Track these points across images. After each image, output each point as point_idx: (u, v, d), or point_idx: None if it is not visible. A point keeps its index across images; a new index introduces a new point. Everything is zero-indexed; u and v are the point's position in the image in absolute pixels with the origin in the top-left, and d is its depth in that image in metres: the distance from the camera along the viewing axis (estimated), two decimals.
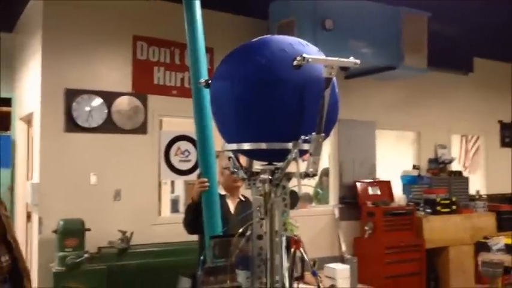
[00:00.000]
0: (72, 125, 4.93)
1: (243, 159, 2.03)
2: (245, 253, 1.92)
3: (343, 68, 1.84)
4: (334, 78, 1.82)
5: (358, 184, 6.59)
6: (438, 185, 7.05)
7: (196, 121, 2.86)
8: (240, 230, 1.96)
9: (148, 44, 5.38)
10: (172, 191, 7.62)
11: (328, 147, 6.71)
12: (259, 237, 1.88)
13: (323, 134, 1.75)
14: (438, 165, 7.44)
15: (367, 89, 6.85)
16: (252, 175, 1.97)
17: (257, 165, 1.99)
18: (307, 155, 1.78)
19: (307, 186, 7.47)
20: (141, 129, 5.27)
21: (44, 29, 4.94)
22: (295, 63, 1.70)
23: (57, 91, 4.92)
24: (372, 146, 6.93)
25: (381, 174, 7.02)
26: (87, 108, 4.98)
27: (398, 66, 5.67)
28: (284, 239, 1.88)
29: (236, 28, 5.70)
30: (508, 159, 8.38)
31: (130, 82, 5.29)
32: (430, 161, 7.50)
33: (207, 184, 2.86)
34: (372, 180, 6.73)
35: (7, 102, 6.50)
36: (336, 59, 1.75)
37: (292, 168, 1.82)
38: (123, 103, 5.17)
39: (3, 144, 6.37)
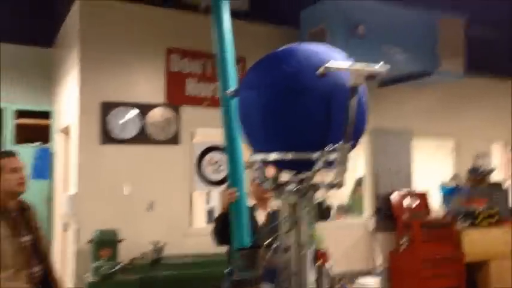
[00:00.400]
0: (107, 137, 5.02)
1: (272, 169, 2.00)
2: (271, 265, 1.88)
3: (370, 77, 1.79)
4: (362, 86, 1.78)
5: (393, 195, 6.44)
6: (478, 196, 6.82)
7: (225, 131, 2.85)
8: (266, 242, 1.93)
9: (181, 56, 5.45)
10: (208, 202, 7.64)
11: (362, 157, 6.60)
12: (286, 249, 1.84)
13: (350, 144, 1.70)
14: (478, 176, 7.19)
15: (402, 97, 6.72)
16: (279, 185, 1.94)
17: (285, 176, 1.96)
18: None
19: (342, 197, 7.38)
20: (174, 140, 5.32)
21: (81, 43, 5.06)
22: (319, 71, 1.68)
23: (93, 104, 5.02)
24: (408, 155, 6.77)
25: (420, 185, 6.85)
26: (122, 120, 5.07)
27: (434, 72, 5.54)
28: (310, 251, 1.83)
29: (268, 37, 5.70)
30: None
31: (164, 94, 5.36)
32: (470, 171, 7.26)
33: (235, 194, 2.84)
34: (408, 191, 6.57)
35: (47, 115, 6.71)
36: (362, 66, 1.71)
37: (321, 178, 1.78)
38: (156, 115, 5.23)
39: (42, 156, 6.56)
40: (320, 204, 6.34)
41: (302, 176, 1.83)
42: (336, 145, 1.69)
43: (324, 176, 1.77)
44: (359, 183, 6.90)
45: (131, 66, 5.26)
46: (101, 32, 5.12)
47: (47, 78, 6.69)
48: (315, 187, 1.84)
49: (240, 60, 5.32)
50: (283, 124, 1.74)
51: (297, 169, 1.86)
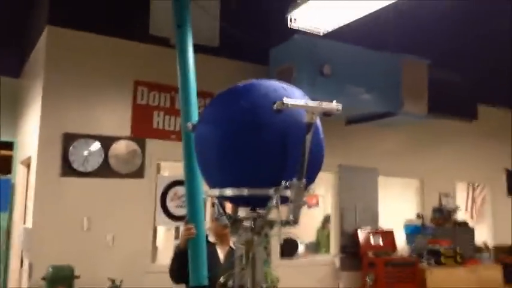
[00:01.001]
0: (68, 169, 4.90)
1: (229, 206, 1.97)
2: None
3: (326, 114, 1.81)
4: (319, 124, 1.80)
5: (359, 233, 6.44)
6: (442, 235, 6.90)
7: (185, 165, 2.82)
8: (221, 280, 1.88)
9: (149, 89, 5.43)
10: (177, 237, 7.47)
11: (329, 194, 6.62)
12: (241, 287, 1.80)
13: (304, 180, 1.70)
14: (443, 215, 7.28)
15: (369, 136, 6.82)
16: (235, 222, 1.91)
17: (241, 212, 1.93)
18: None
19: (311, 235, 7.35)
20: (138, 173, 5.24)
21: (46, 73, 5.00)
22: (275, 107, 1.68)
23: (55, 135, 4.92)
24: (374, 193, 6.82)
25: (386, 223, 6.88)
26: (84, 153, 4.97)
27: (397, 112, 5.66)
28: None
29: (238, 73, 5.74)
30: None
31: (130, 126, 5.30)
32: (435, 210, 7.36)
33: (193, 231, 2.78)
34: (373, 229, 6.59)
35: (9, 145, 6.55)
36: (317, 104, 1.72)
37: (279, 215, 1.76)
38: (120, 147, 5.16)
39: (2, 187, 6.35)
40: (287, 241, 6.31)
41: (258, 212, 1.81)
42: (291, 181, 1.68)
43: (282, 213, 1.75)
44: (327, 220, 6.89)
45: (97, 98, 5.20)
46: (67, 63, 5.07)
47: (12, 109, 6.58)
48: (271, 224, 1.81)
49: (208, 95, 5.36)
50: (239, 159, 1.73)
51: (253, 206, 1.84)
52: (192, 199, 2.81)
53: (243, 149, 1.71)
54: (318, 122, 1.83)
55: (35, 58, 5.67)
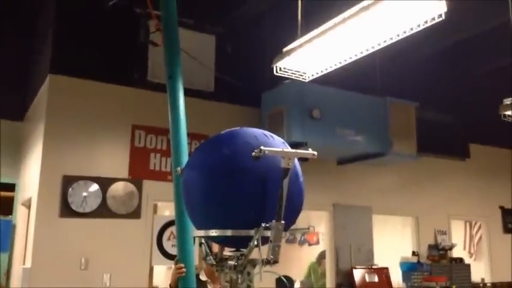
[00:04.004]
0: (67, 210, 5.03)
1: (216, 245, 2.08)
2: None
3: (303, 159, 1.95)
4: (299, 169, 1.93)
5: (355, 270, 6.48)
6: (438, 272, 6.91)
7: (175, 206, 2.94)
8: None
9: (146, 132, 5.61)
10: None
11: (323, 232, 6.69)
12: None
13: (283, 222, 1.82)
14: (438, 252, 7.33)
15: (362, 175, 6.93)
16: (220, 261, 2.02)
17: (226, 252, 2.04)
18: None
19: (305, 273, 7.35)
20: (135, 213, 5.36)
21: (47, 117, 5.19)
22: (253, 154, 1.83)
23: (55, 177, 5.07)
24: (369, 231, 6.88)
25: (382, 260, 6.91)
26: (83, 194, 5.11)
27: (387, 152, 5.79)
28: None
29: (232, 116, 5.93)
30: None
31: (127, 168, 5.45)
32: (430, 247, 7.40)
33: (183, 270, 2.88)
34: (369, 267, 6.62)
35: (11, 187, 6.69)
36: (294, 151, 1.86)
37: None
38: (118, 188, 5.30)
39: (3, 228, 6.46)
40: (282, 279, 6.34)
41: (241, 251, 1.93)
42: (270, 223, 1.81)
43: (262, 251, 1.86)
44: (323, 256, 6.94)
45: (96, 141, 5.37)
46: (67, 108, 5.27)
47: (15, 151, 6.74)
48: (253, 262, 1.92)
49: (203, 137, 5.53)
50: (222, 203, 1.85)
51: (237, 246, 1.96)
52: (182, 239, 2.93)
53: (225, 193, 1.83)
54: (298, 167, 1.96)
55: (38, 103, 5.87)
